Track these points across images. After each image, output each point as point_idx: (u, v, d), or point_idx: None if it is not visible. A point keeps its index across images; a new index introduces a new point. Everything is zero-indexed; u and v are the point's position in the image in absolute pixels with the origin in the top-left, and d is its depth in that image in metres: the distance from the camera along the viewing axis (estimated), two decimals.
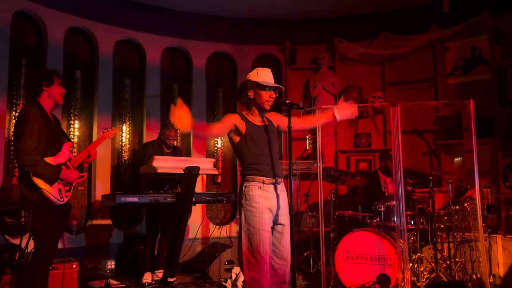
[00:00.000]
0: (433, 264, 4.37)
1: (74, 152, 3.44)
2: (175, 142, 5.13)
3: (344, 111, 3.12)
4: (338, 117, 3.11)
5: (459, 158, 5.54)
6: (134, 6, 5.94)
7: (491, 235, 4.65)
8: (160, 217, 4.86)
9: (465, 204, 4.63)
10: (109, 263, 5.35)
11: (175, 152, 5.10)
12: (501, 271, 4.70)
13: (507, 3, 5.22)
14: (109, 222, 5.54)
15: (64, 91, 3.34)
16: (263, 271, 2.71)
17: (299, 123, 3.15)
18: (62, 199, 3.17)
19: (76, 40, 5.67)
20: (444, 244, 4.81)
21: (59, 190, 3.16)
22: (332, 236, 4.76)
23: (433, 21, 5.87)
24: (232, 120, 2.88)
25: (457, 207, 4.64)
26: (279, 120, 3.11)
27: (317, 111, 4.57)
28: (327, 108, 3.36)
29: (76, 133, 5.50)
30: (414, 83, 6.11)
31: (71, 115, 5.49)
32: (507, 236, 4.83)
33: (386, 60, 6.27)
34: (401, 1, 5.94)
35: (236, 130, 2.88)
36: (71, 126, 5.47)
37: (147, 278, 4.69)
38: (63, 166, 3.22)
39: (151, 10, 6.06)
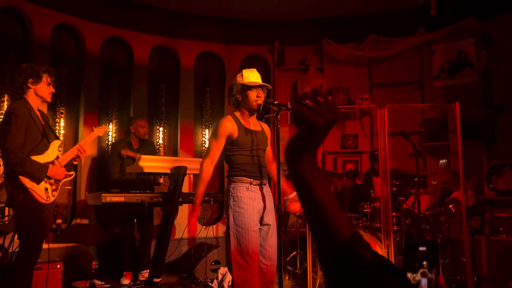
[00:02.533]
0: None
1: (60, 150, 3.39)
2: (146, 136, 5.12)
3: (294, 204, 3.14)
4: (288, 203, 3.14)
5: (444, 160, 5.60)
6: (122, 4, 5.88)
7: (475, 236, 4.70)
8: (138, 217, 4.83)
9: (450, 206, 4.68)
10: (94, 263, 5.29)
11: (144, 144, 5.07)
12: (485, 272, 4.76)
13: (493, 8, 5.29)
14: (94, 221, 5.48)
15: (53, 90, 3.28)
16: (252, 272, 2.72)
17: (270, 164, 3.17)
18: (48, 199, 3.13)
19: (62, 37, 5.61)
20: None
21: (46, 189, 3.12)
22: None
23: (420, 24, 5.92)
24: (226, 130, 2.91)
25: (442, 208, 4.69)
26: (269, 138, 3.15)
27: None
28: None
29: (62, 132, 5.44)
30: (401, 85, 6.16)
31: (57, 113, 5.43)
32: (491, 237, 4.90)
33: (373, 62, 6.31)
34: (389, 3, 5.99)
35: (229, 138, 2.92)
36: (57, 124, 5.41)
37: (125, 280, 4.67)
38: (50, 165, 3.18)
39: (139, 9, 6.02)
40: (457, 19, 5.55)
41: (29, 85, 3.16)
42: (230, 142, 2.93)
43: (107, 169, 5.16)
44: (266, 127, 3.15)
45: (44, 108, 3.77)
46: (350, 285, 0.87)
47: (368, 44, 6.20)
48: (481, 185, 5.25)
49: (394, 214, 4.54)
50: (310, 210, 0.93)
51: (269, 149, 3.15)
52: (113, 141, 5.80)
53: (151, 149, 5.12)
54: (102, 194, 4.20)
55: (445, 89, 5.83)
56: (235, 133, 2.91)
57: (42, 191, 3.09)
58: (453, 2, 5.56)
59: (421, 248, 0.91)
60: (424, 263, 0.90)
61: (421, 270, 0.92)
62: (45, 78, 3.20)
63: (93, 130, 3.72)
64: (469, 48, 5.66)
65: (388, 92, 6.22)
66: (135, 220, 4.90)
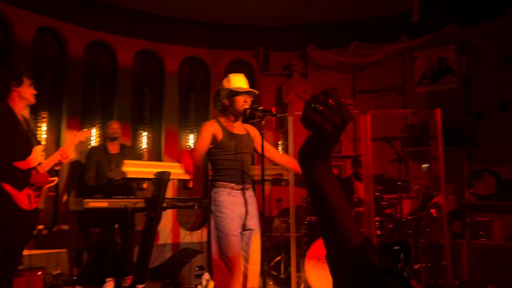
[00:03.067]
0: None
1: (42, 155, 3.35)
2: (123, 139, 5.12)
3: None
4: None
5: (426, 165, 5.67)
6: (106, 8, 5.85)
7: (456, 240, 4.77)
8: (119, 223, 4.80)
9: (432, 210, 4.75)
10: (75, 269, 5.23)
11: (124, 152, 5.05)
12: (466, 275, 4.83)
13: (473, 16, 5.41)
14: (75, 227, 5.41)
15: (35, 92, 3.26)
16: (233, 276, 2.72)
17: (272, 155, 3.13)
18: (31, 205, 3.08)
19: (45, 41, 5.55)
20: (412, 249, 4.91)
21: (28, 195, 3.08)
22: (302, 241, 4.80)
23: (403, 31, 6.02)
24: (210, 129, 2.91)
25: (424, 213, 4.75)
26: (256, 140, 3.09)
27: (290, 117, 4.61)
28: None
29: (44, 136, 5.37)
30: (384, 91, 6.24)
31: (39, 117, 5.36)
32: (472, 241, 4.98)
33: (357, 68, 6.39)
34: (373, 10, 6.07)
35: (214, 138, 2.91)
36: (39, 128, 5.34)
37: (108, 287, 4.62)
38: (33, 171, 3.13)
39: (123, 13, 5.99)
40: (438, 26, 5.65)
41: (12, 88, 3.12)
42: (215, 144, 2.92)
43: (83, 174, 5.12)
44: (251, 129, 3.13)
45: (26, 113, 3.72)
46: (356, 286, 0.88)
47: (351, 50, 6.28)
48: (462, 189, 5.34)
49: (377, 218, 4.58)
50: (323, 214, 0.93)
51: (268, 147, 3.07)
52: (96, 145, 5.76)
53: (131, 156, 5.10)
54: (85, 200, 4.15)
55: (427, 95, 5.92)
56: (220, 135, 2.91)
57: (25, 198, 3.04)
58: (435, 10, 5.66)
59: (395, 247, 0.95)
60: (401, 256, 0.94)
61: (400, 264, 0.95)
62: (26, 80, 3.17)
63: (75, 135, 3.68)
64: (450, 55, 5.77)
65: (371, 97, 6.29)
66: (116, 226, 4.86)
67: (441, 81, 5.82)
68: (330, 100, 0.88)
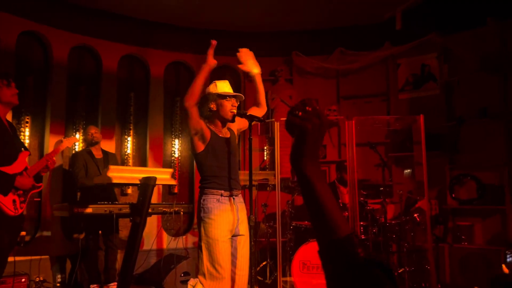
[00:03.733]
0: None
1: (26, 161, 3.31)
2: (101, 142, 5.09)
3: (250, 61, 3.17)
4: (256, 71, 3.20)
5: (409, 170, 5.76)
6: (91, 12, 5.81)
7: (439, 244, 4.85)
8: (103, 229, 4.76)
9: (415, 215, 4.82)
10: (58, 276, 5.16)
11: (107, 157, 5.02)
12: (448, 279, 4.91)
13: (455, 25, 5.53)
14: (60, 233, 5.34)
15: (16, 90, 3.19)
16: (224, 282, 2.74)
17: (256, 110, 3.22)
18: (16, 211, 3.04)
19: (29, 44, 5.48)
20: (395, 253, 4.98)
21: (14, 201, 3.04)
22: (288, 246, 4.82)
23: (386, 39, 6.12)
24: (201, 122, 2.91)
25: (407, 217, 4.82)
26: (239, 124, 3.16)
27: (276, 123, 4.64)
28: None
29: (27, 141, 5.29)
30: (368, 97, 6.32)
31: (22, 121, 5.29)
32: (454, 245, 5.07)
33: (341, 74, 6.46)
34: (357, 18, 6.16)
35: (202, 135, 2.90)
36: (22, 133, 5.26)
37: None
38: (17, 176, 3.10)
39: (108, 17, 5.95)
40: (420, 34, 5.76)
41: None
42: (203, 147, 2.91)
43: (72, 178, 5.05)
44: (232, 125, 3.14)
45: (9, 117, 3.67)
46: (344, 277, 0.97)
47: (336, 56, 6.35)
48: (444, 194, 5.43)
49: (361, 223, 4.64)
50: (314, 207, 1.04)
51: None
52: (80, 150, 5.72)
53: (114, 163, 5.08)
54: (69, 205, 4.11)
55: (410, 101, 6.02)
56: (208, 135, 2.91)
57: (10, 203, 3.00)
58: (417, 18, 5.77)
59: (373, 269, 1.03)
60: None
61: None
62: (1, 82, 3.11)
63: (61, 141, 3.65)
64: (432, 62, 5.88)
65: (355, 103, 6.36)
66: (100, 232, 4.81)
67: (424, 87, 5.92)
68: (307, 107, 1.04)
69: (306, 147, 1.05)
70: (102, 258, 4.86)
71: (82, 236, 5.34)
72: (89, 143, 4.99)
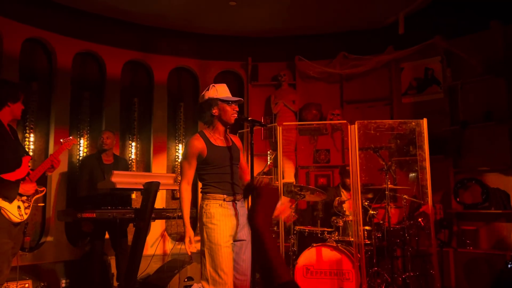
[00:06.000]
0: (389, 279, 4.49)
1: (29, 166, 3.33)
2: (113, 150, 5.10)
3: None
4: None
5: (413, 174, 5.74)
6: (95, 18, 5.86)
7: (444, 249, 4.82)
8: (110, 233, 4.77)
9: (419, 219, 4.80)
10: (63, 281, 5.17)
11: (117, 163, 5.03)
12: (453, 284, 4.88)
13: (458, 29, 5.52)
14: (64, 238, 5.36)
15: (23, 107, 3.27)
16: (227, 287, 2.73)
17: (245, 173, 3.18)
18: (21, 217, 3.06)
19: (33, 51, 5.53)
20: (399, 258, 4.95)
21: (18, 207, 3.05)
22: (291, 251, 4.81)
23: (389, 43, 6.11)
24: (195, 149, 2.92)
25: (411, 222, 4.80)
26: (241, 154, 3.14)
27: (278, 127, 4.64)
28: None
29: (32, 147, 5.33)
30: (371, 101, 6.31)
31: (27, 128, 5.32)
32: (459, 250, 5.03)
33: (344, 79, 6.46)
34: (360, 22, 6.16)
35: (199, 157, 2.92)
36: (26, 139, 5.29)
37: None
38: (21, 182, 3.11)
39: (112, 23, 6.00)
40: (424, 38, 5.75)
41: (8, 103, 3.13)
42: (201, 161, 2.94)
43: (76, 185, 5.08)
44: (236, 140, 3.15)
45: (13, 123, 3.70)
46: None
47: (339, 61, 6.35)
48: (449, 198, 5.41)
49: (365, 228, 4.62)
50: (260, 254, 1.28)
51: (242, 160, 3.15)
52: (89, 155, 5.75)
53: (123, 168, 5.09)
54: (73, 211, 4.13)
55: (413, 105, 6.01)
56: (204, 152, 2.91)
57: (15, 210, 3.02)
58: (420, 22, 5.77)
59: None
60: None
61: None
62: (21, 97, 3.20)
63: (61, 144, 3.66)
64: (435, 66, 5.87)
65: (358, 108, 6.35)
66: (107, 236, 4.82)
67: (427, 91, 5.91)
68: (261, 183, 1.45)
69: (256, 206, 1.36)
70: (106, 264, 4.86)
71: (86, 241, 5.36)
72: (100, 148, 4.99)
